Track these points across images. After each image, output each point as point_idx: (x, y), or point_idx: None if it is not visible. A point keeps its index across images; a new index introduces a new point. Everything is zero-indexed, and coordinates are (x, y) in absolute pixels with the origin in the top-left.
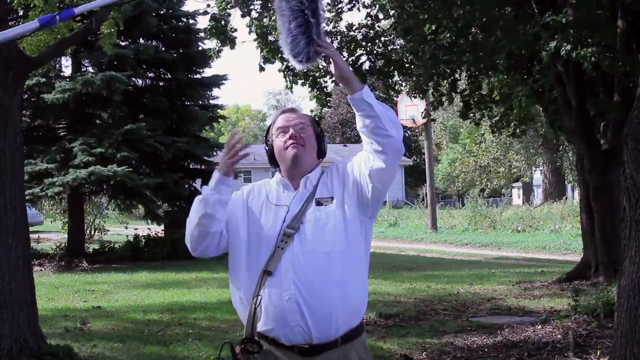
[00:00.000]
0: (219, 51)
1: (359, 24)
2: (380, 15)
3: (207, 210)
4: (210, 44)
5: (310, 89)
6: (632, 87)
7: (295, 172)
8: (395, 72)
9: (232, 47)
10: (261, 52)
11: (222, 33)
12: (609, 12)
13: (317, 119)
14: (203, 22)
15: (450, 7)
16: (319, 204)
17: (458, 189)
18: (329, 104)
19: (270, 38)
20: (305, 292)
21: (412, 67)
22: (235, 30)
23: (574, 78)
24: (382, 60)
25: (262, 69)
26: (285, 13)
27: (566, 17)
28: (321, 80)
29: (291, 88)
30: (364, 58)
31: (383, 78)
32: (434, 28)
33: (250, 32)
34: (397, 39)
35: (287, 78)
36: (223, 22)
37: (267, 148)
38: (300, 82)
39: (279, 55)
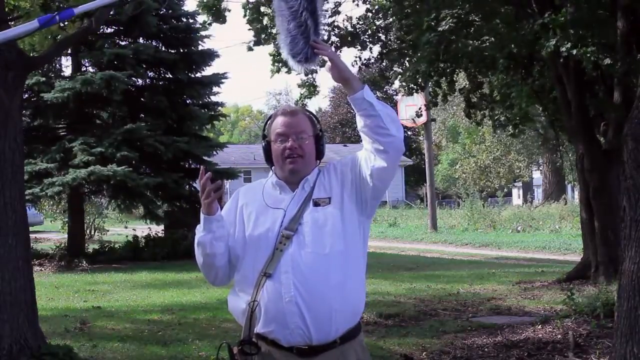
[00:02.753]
0: (210, 24)
1: (358, 17)
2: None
3: (206, 251)
4: (205, 30)
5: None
6: (632, 87)
7: (292, 179)
8: (394, 64)
9: (223, 22)
10: (251, 23)
11: (214, 8)
12: (609, 12)
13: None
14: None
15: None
16: (316, 204)
17: (459, 192)
18: (317, 92)
19: (265, 24)
20: (305, 294)
21: (411, 60)
22: (229, 10)
23: (574, 78)
24: (382, 50)
25: (250, 49)
26: (284, 13)
27: (565, 16)
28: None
29: (276, 72)
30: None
31: (385, 66)
32: (433, 16)
33: (244, 15)
34: (396, 29)
35: (274, 65)
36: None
37: (264, 144)
38: (283, 69)
39: (271, 36)
